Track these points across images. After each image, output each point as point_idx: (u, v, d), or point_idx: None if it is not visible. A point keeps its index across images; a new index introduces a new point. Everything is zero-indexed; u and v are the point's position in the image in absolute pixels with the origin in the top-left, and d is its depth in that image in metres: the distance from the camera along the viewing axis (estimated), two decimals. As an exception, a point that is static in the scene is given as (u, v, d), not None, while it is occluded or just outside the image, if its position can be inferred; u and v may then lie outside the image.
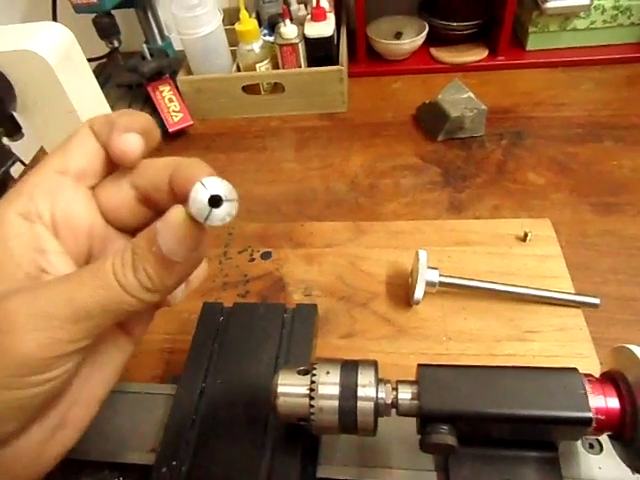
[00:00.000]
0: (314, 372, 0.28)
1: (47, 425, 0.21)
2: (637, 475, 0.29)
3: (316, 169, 0.72)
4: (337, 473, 0.31)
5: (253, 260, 0.56)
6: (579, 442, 0.32)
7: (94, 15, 0.77)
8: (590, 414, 0.25)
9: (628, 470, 0.30)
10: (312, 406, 0.27)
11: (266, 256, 0.55)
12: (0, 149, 0.52)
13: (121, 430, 0.35)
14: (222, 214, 0.18)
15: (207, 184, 0.18)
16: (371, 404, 0.27)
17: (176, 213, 0.19)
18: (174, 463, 0.31)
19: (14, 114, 0.58)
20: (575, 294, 0.47)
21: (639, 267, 0.54)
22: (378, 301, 0.50)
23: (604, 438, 0.32)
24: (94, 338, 0.20)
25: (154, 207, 0.24)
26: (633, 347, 0.27)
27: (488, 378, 0.27)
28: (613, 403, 0.26)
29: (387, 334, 0.47)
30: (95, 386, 0.22)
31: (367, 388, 0.27)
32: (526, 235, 0.52)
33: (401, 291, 0.50)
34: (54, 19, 0.84)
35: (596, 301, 0.46)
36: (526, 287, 0.47)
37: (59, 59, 0.53)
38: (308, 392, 0.27)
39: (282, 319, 0.38)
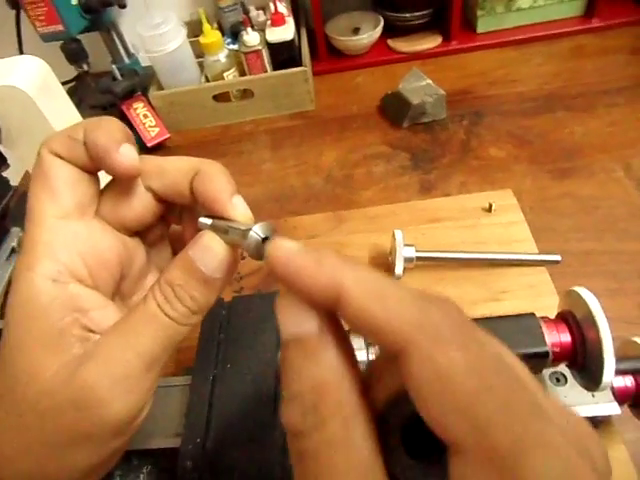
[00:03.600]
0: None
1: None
2: (595, 394, 0.34)
3: (292, 167, 0.76)
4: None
5: (244, 258, 0.59)
6: (547, 378, 0.37)
7: (61, 42, 0.80)
8: (547, 348, 0.30)
9: (588, 395, 0.35)
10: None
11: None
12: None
13: (145, 421, 0.39)
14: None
15: (258, 228, 0.19)
16: (364, 365, 0.31)
17: (211, 240, 0.20)
18: (198, 441, 0.35)
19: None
20: (538, 254, 0.52)
21: (596, 224, 0.60)
22: (363, 281, 0.54)
23: (568, 374, 0.37)
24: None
25: (170, 204, 0.23)
26: (579, 289, 0.32)
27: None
28: (565, 337, 0.31)
29: (375, 310, 0.51)
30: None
31: (358, 352, 0.31)
32: (491, 206, 0.57)
33: (383, 270, 0.54)
34: (20, 50, 0.86)
35: (557, 258, 0.51)
36: (495, 252, 0.52)
37: (38, 90, 0.56)
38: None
39: (278, 305, 0.42)
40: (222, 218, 0.21)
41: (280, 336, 0.17)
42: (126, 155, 0.21)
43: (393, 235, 0.52)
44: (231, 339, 0.41)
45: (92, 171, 0.22)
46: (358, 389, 0.16)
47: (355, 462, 0.15)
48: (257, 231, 0.19)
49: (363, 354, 0.31)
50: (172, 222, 0.26)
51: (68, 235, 0.21)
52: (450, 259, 0.52)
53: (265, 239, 0.20)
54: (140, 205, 0.23)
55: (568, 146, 0.70)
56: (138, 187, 0.22)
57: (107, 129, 0.21)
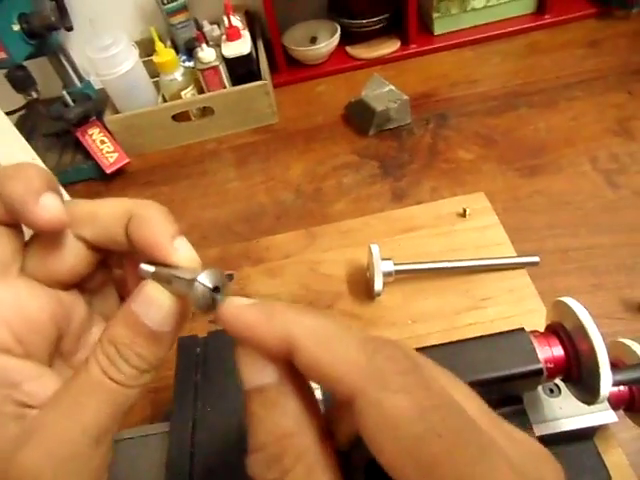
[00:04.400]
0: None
1: None
2: (592, 407, 0.33)
3: (260, 184, 0.74)
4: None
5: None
6: (541, 390, 0.35)
7: (6, 70, 0.76)
8: (540, 365, 0.29)
9: (581, 406, 0.34)
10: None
11: (229, 279, 0.56)
12: None
13: (124, 475, 0.36)
14: (222, 299, 0.18)
15: (205, 277, 0.17)
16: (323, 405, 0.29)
17: (154, 291, 0.18)
18: (182, 496, 0.33)
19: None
20: (517, 257, 0.51)
21: (570, 219, 0.60)
22: (343, 300, 0.52)
23: (562, 384, 0.36)
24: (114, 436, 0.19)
25: (104, 251, 0.21)
26: (567, 299, 0.31)
27: (449, 354, 0.30)
28: (558, 351, 0.29)
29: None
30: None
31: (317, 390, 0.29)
32: (465, 211, 0.56)
33: (362, 286, 0.53)
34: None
35: (536, 259, 0.51)
36: (474, 259, 0.51)
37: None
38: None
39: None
40: (165, 265, 0.19)
41: (242, 387, 0.17)
42: (47, 206, 0.18)
43: (369, 250, 0.50)
44: (209, 379, 0.38)
45: (13, 223, 0.20)
46: (321, 435, 0.16)
47: None
48: (204, 281, 0.17)
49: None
50: (114, 266, 0.23)
51: None
52: (429, 269, 0.51)
53: (215, 289, 0.18)
54: (71, 256, 0.20)
55: (534, 143, 0.70)
56: (67, 237, 0.20)
57: (24, 177, 0.18)
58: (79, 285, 0.22)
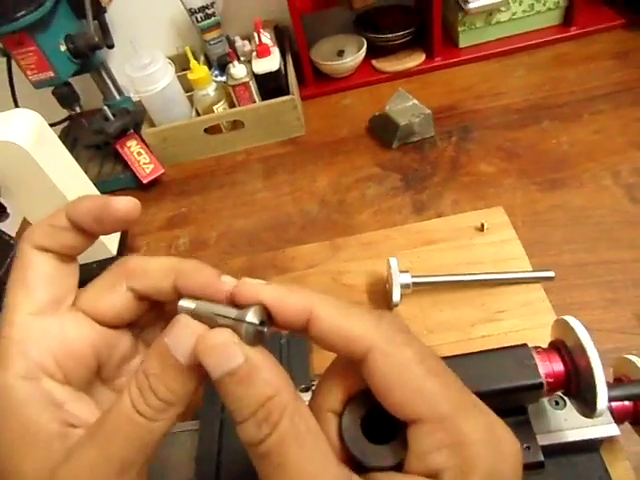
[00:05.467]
0: (313, 388, 0.33)
1: None
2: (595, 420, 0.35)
3: (287, 194, 0.77)
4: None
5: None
6: (546, 401, 0.37)
7: (53, 87, 0.81)
8: (541, 379, 0.31)
9: (586, 419, 0.35)
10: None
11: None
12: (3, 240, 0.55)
13: (157, 469, 0.40)
14: (268, 332, 0.20)
15: (253, 315, 0.19)
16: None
17: (187, 325, 0.20)
18: (210, 487, 0.36)
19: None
20: (532, 271, 0.53)
21: (588, 234, 0.61)
22: (363, 309, 0.55)
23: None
24: (148, 471, 0.21)
25: (153, 302, 0.23)
26: (568, 318, 0.33)
27: (455, 366, 0.32)
28: (558, 367, 0.31)
29: (375, 338, 0.52)
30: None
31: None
32: (483, 225, 0.58)
33: (381, 296, 0.55)
34: (13, 97, 0.87)
35: (551, 274, 0.52)
36: (490, 273, 0.53)
37: (33, 143, 0.58)
38: (311, 405, 0.32)
39: (279, 345, 0.44)
40: (207, 301, 0.20)
41: (211, 377, 0.19)
42: (121, 199, 0.22)
43: (388, 262, 0.53)
44: (235, 382, 0.42)
45: (75, 255, 0.23)
46: (294, 391, 0.20)
47: (307, 450, 0.18)
48: (252, 319, 0.19)
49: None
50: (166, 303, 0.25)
51: (39, 332, 0.21)
52: (446, 282, 0.53)
53: (261, 323, 0.19)
54: (119, 304, 0.22)
55: (556, 157, 0.71)
56: (120, 286, 0.22)
57: (88, 200, 0.22)
58: (121, 326, 0.24)
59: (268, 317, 0.20)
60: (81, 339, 0.22)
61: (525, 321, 0.50)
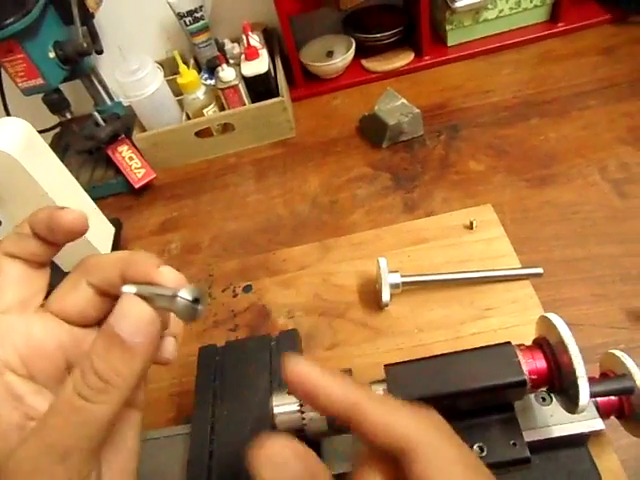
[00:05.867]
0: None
1: None
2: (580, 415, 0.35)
3: (278, 196, 0.77)
4: (340, 468, 0.37)
5: (236, 295, 0.61)
6: (533, 398, 0.38)
7: (43, 94, 0.81)
8: (524, 377, 0.31)
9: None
10: (304, 419, 0.32)
11: (247, 289, 0.60)
12: None
13: (149, 474, 0.40)
14: (202, 310, 0.21)
15: (185, 292, 0.20)
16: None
17: (129, 303, 0.21)
18: (201, 491, 0.36)
19: (-10, 208, 0.63)
20: (521, 268, 0.53)
21: (577, 230, 0.61)
22: (353, 310, 0.55)
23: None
24: (96, 456, 0.21)
25: (113, 298, 0.24)
26: (551, 315, 0.33)
27: (441, 365, 0.33)
28: (541, 364, 0.32)
29: (366, 338, 0.52)
30: (128, 465, 0.24)
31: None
32: (472, 223, 0.58)
33: (372, 296, 0.56)
34: (4, 104, 0.87)
35: (539, 271, 0.52)
36: (478, 271, 0.53)
37: (23, 151, 0.58)
38: (299, 408, 0.33)
39: (269, 348, 0.44)
40: (148, 284, 0.21)
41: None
42: (70, 210, 0.23)
43: (378, 263, 0.53)
44: (226, 385, 0.42)
45: (42, 263, 0.24)
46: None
47: None
48: (185, 295, 0.20)
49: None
50: None
51: (4, 329, 0.22)
52: (435, 281, 0.53)
53: (194, 301, 0.20)
54: (82, 301, 0.24)
55: (544, 153, 0.72)
56: (81, 284, 0.24)
57: (44, 211, 0.23)
58: (92, 325, 0.25)
59: (203, 297, 0.21)
60: (47, 337, 0.23)
61: (514, 318, 0.51)
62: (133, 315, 0.21)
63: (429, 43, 0.90)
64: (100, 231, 0.72)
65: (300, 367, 0.22)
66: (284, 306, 0.57)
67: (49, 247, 0.24)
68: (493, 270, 0.53)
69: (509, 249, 0.56)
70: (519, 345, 0.33)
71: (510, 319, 0.51)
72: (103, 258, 0.24)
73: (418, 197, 0.70)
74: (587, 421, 0.36)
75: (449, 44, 0.92)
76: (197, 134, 0.84)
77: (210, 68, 0.90)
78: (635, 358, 0.37)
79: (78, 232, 0.23)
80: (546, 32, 0.89)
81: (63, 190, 0.65)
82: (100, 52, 0.91)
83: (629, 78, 0.79)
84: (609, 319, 0.52)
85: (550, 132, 0.74)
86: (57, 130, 0.99)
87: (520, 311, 0.51)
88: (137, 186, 0.82)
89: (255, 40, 0.84)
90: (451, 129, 0.79)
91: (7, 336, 0.22)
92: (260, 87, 0.82)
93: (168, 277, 0.22)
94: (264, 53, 0.84)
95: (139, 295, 0.21)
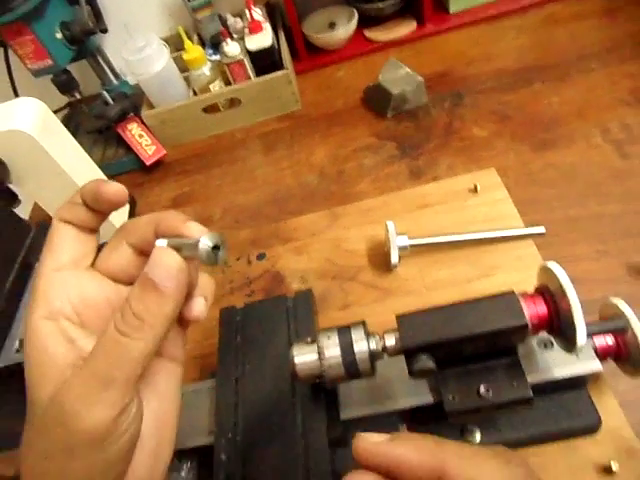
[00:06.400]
0: (319, 340, 0.36)
1: (149, 453, 0.25)
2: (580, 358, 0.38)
3: (286, 168, 0.79)
4: (356, 412, 0.40)
5: (250, 263, 0.63)
6: (535, 345, 0.40)
7: (52, 75, 0.83)
8: (525, 320, 0.33)
9: (571, 357, 0.38)
10: (322, 365, 0.35)
11: (261, 257, 0.63)
12: (19, 223, 0.57)
13: (179, 424, 0.43)
14: (223, 255, 0.24)
15: (206, 239, 0.23)
16: (366, 353, 0.35)
17: (161, 253, 0.23)
18: (229, 436, 0.39)
19: (9, 186, 0.65)
20: (523, 228, 0.55)
21: (579, 191, 0.63)
22: (363, 272, 0.58)
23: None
24: (135, 388, 0.23)
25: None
26: (551, 264, 0.35)
27: (449, 313, 0.35)
28: (542, 309, 0.34)
29: (376, 298, 0.55)
30: (169, 410, 0.27)
31: (360, 342, 0.35)
32: (476, 187, 0.60)
33: (381, 259, 0.58)
34: (13, 86, 0.89)
35: (542, 230, 0.54)
36: (483, 231, 0.55)
37: (40, 130, 0.60)
38: (317, 355, 0.35)
39: (286, 307, 0.47)
40: (177, 237, 0.24)
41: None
42: (113, 184, 0.26)
43: (386, 226, 0.55)
44: (247, 342, 0.45)
45: (92, 229, 0.27)
46: None
47: None
48: (206, 241, 0.23)
49: (364, 344, 0.35)
50: None
51: (60, 283, 0.25)
52: (442, 243, 0.55)
53: (215, 247, 0.23)
54: (124, 260, 0.27)
55: (547, 117, 0.73)
56: (121, 245, 0.27)
57: (92, 183, 0.26)
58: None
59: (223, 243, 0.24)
60: (96, 291, 0.26)
61: (518, 275, 0.53)
62: (164, 263, 0.23)
63: (431, 11, 0.90)
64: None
65: (370, 443, 0.23)
66: (297, 271, 0.60)
67: (96, 215, 0.27)
68: (497, 230, 0.55)
69: (512, 211, 0.58)
70: (522, 293, 0.36)
71: (514, 276, 0.53)
72: (138, 220, 0.27)
73: (423, 164, 0.72)
74: (586, 362, 0.38)
75: (451, 11, 0.92)
76: (204, 110, 0.85)
77: (214, 44, 0.91)
78: (633, 307, 0.39)
79: (119, 203, 0.26)
80: (549, -5, 0.88)
81: (79, 168, 0.68)
82: (105, 31, 0.92)
83: (631, 40, 0.79)
84: (610, 274, 0.54)
85: (553, 96, 0.75)
86: (66, 111, 1.00)
87: (524, 269, 0.53)
88: (148, 163, 0.84)
89: (258, 14, 0.85)
90: (455, 96, 0.80)
91: (62, 289, 0.25)
92: (265, 61, 0.83)
93: (194, 229, 0.24)
94: (267, 27, 0.85)
95: (170, 246, 0.24)
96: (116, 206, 0.26)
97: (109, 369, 0.22)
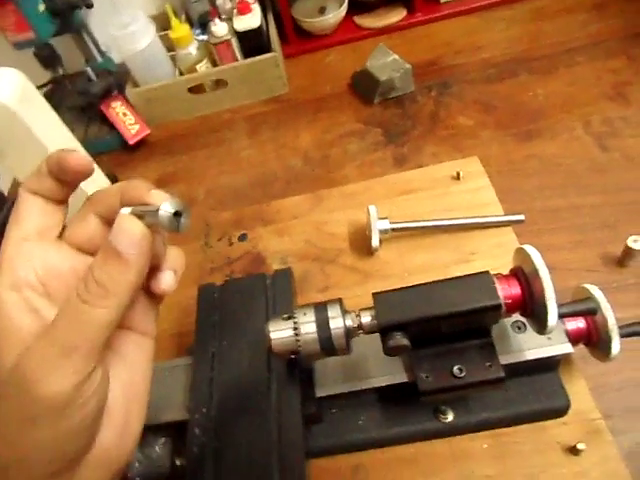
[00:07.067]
0: (295, 316, 0.36)
1: (116, 426, 0.25)
2: (547, 337, 0.39)
3: (271, 151, 0.79)
4: (331, 390, 0.40)
5: (232, 244, 0.63)
6: (509, 327, 0.41)
7: (34, 48, 0.81)
8: (499, 301, 0.34)
9: (545, 338, 0.39)
10: (298, 341, 0.35)
11: (242, 238, 0.63)
12: None
13: (154, 400, 0.43)
14: (185, 222, 0.24)
15: (167, 205, 0.23)
16: (341, 330, 0.35)
17: (124, 221, 0.23)
18: (204, 410, 0.40)
19: (-12, 159, 0.64)
20: (503, 215, 0.56)
21: (559, 182, 0.64)
22: (344, 255, 0.58)
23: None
24: (98, 356, 0.23)
25: None
26: (527, 247, 0.36)
27: (425, 292, 0.36)
28: (516, 290, 0.35)
29: (356, 281, 0.55)
30: (138, 383, 0.26)
31: (336, 319, 0.36)
32: (458, 174, 0.61)
33: (362, 243, 0.58)
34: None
35: (521, 217, 0.55)
36: (463, 217, 0.56)
37: (18, 102, 0.59)
38: (293, 331, 0.35)
39: (265, 285, 0.47)
40: (142, 206, 0.24)
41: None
42: (77, 154, 0.25)
43: (368, 210, 0.55)
44: (225, 319, 0.45)
45: (60, 200, 0.27)
46: None
47: None
48: (167, 207, 0.23)
49: (340, 321, 0.35)
50: None
51: (25, 253, 0.25)
52: (422, 227, 0.56)
53: (177, 214, 0.23)
54: (91, 230, 0.26)
55: (531, 109, 0.73)
56: (89, 215, 0.27)
57: (56, 152, 0.26)
58: None
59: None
60: (62, 263, 0.26)
61: (497, 261, 0.53)
62: (127, 230, 0.23)
63: (421, 0, 0.90)
64: (97, 186, 0.74)
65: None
66: (278, 253, 0.60)
67: (64, 186, 0.26)
68: (477, 217, 0.56)
69: (493, 198, 0.59)
70: (496, 274, 0.36)
71: (493, 262, 0.53)
72: (106, 190, 0.27)
73: (408, 151, 0.72)
74: (558, 345, 0.39)
75: (442, 0, 0.91)
76: (190, 90, 0.84)
77: (202, 23, 0.90)
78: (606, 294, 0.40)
79: (84, 173, 0.26)
80: (538, -12, 0.89)
81: (60, 142, 0.66)
82: (90, 6, 0.90)
83: (618, 35, 0.80)
84: (585, 263, 0.55)
85: (538, 88, 0.76)
86: (48, 88, 0.98)
87: (502, 255, 0.54)
88: (132, 142, 0.83)
89: (247, -6, 0.84)
90: (442, 85, 0.81)
91: (27, 259, 0.25)
92: (252, 42, 0.83)
93: (157, 197, 0.24)
94: (256, 8, 0.84)
95: (133, 214, 0.24)
96: (81, 176, 0.26)
97: (71, 336, 0.22)
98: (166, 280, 0.26)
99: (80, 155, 0.25)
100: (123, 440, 0.25)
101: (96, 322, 0.22)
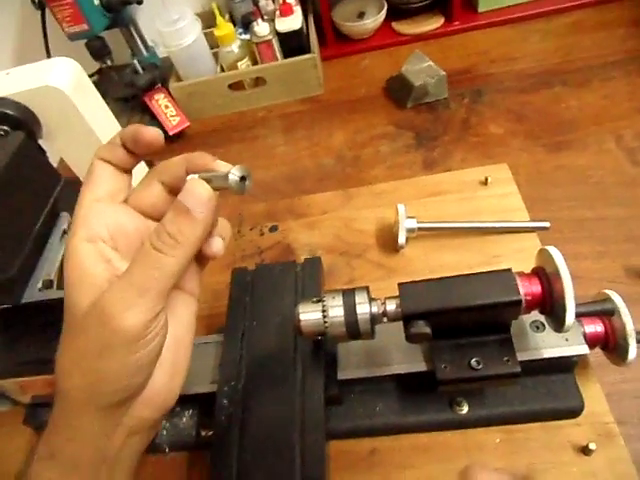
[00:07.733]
0: (324, 299, 0.38)
1: (166, 370, 0.28)
2: (564, 338, 0.40)
3: (305, 149, 0.81)
4: (352, 374, 0.42)
5: (263, 234, 0.66)
6: (528, 326, 0.42)
7: (86, 40, 0.86)
8: (520, 297, 0.36)
9: (563, 339, 0.41)
10: (326, 322, 0.37)
11: (273, 229, 0.65)
12: (51, 173, 0.60)
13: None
14: (249, 185, 0.26)
15: (236, 170, 0.26)
16: (367, 315, 0.37)
17: (194, 183, 0.26)
18: (232, 384, 0.42)
19: (39, 141, 0.68)
20: (528, 221, 0.57)
21: (587, 193, 0.64)
22: (371, 251, 0.60)
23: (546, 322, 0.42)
24: (165, 300, 0.26)
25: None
26: (549, 248, 0.37)
27: (448, 284, 0.38)
28: (536, 288, 0.36)
29: (381, 276, 0.57)
30: (184, 335, 0.30)
31: (363, 305, 0.38)
32: (487, 180, 0.62)
33: (388, 240, 0.60)
34: (47, 49, 0.92)
35: (546, 224, 0.56)
36: (489, 221, 0.57)
37: (73, 89, 0.62)
38: (322, 313, 0.38)
39: (295, 272, 0.49)
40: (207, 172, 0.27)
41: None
42: (152, 129, 0.28)
43: (397, 209, 0.57)
44: (256, 300, 0.47)
45: (127, 169, 0.30)
46: None
47: None
48: (235, 172, 0.25)
49: (366, 307, 0.38)
50: None
51: (97, 211, 0.28)
52: (448, 228, 0.57)
53: (243, 178, 0.26)
54: (154, 196, 0.29)
55: (563, 120, 0.74)
56: (153, 183, 0.29)
57: (132, 126, 0.29)
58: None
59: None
60: (128, 222, 0.29)
61: (519, 264, 0.53)
62: (197, 192, 0.26)
63: (460, 8, 0.91)
64: (137, 172, 0.78)
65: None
66: (307, 245, 0.62)
67: (133, 157, 0.30)
68: (502, 222, 0.57)
69: (520, 205, 0.60)
70: (518, 272, 0.38)
71: (516, 266, 0.53)
72: (171, 160, 0.29)
73: (438, 156, 0.74)
74: (575, 346, 0.40)
75: (480, 10, 0.93)
76: (230, 86, 0.88)
77: (245, 23, 0.93)
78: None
79: (155, 146, 0.29)
80: (576, 2, 0.90)
81: (107, 129, 0.70)
82: (140, 2, 0.94)
83: (655, 51, 0.81)
84: (608, 274, 0.56)
85: (571, 100, 0.77)
86: (95, 78, 1.03)
87: (525, 259, 0.54)
88: (171, 133, 0.87)
89: (290, -3, 0.87)
90: (475, 93, 0.82)
91: (100, 217, 0.28)
92: (293, 43, 0.85)
93: (222, 165, 0.28)
94: (298, 10, 0.87)
95: (201, 179, 0.27)
96: (153, 149, 0.29)
97: (145, 280, 0.25)
98: (216, 244, 0.29)
99: (154, 130, 0.28)
100: (171, 384, 0.28)
101: (167, 268, 0.25)
